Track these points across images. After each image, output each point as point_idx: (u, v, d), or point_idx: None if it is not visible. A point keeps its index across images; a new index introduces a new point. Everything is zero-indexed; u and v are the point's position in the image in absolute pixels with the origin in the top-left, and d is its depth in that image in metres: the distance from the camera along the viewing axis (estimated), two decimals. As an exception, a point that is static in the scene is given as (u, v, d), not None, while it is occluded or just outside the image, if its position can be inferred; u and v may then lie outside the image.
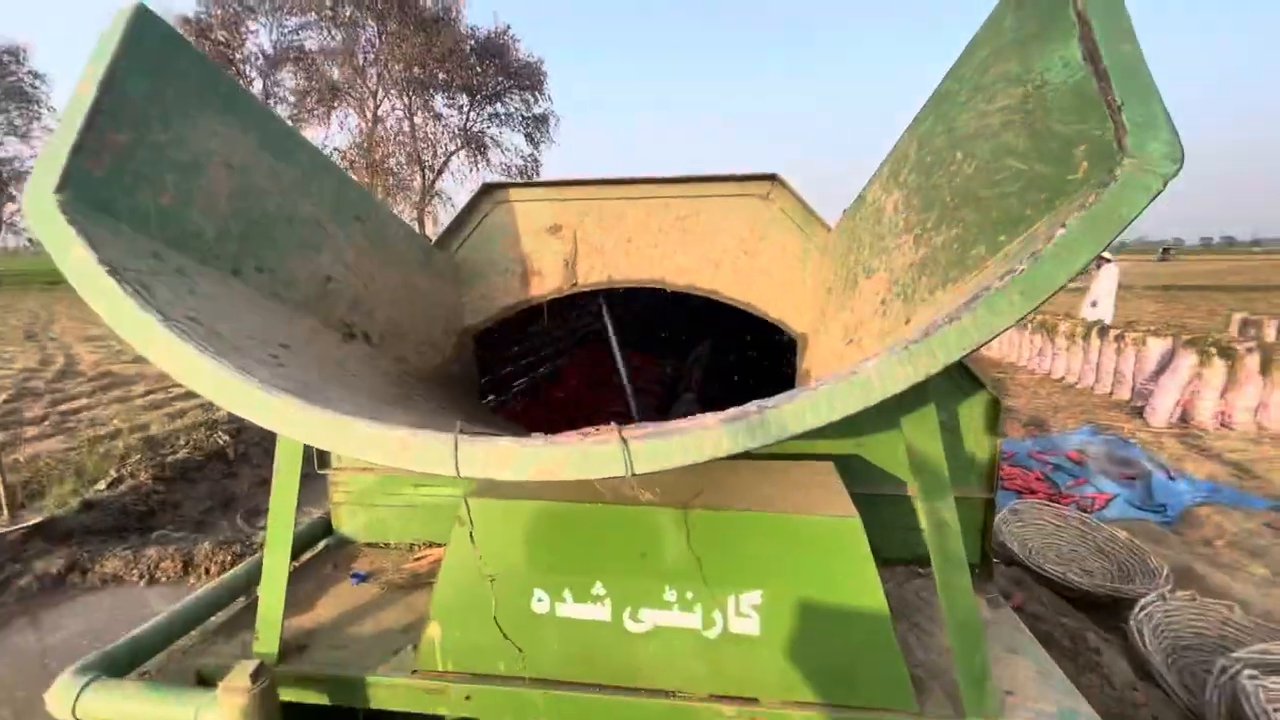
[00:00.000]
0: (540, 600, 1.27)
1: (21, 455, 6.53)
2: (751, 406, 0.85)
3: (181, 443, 7.05)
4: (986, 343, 0.80)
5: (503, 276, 2.25)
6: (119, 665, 1.38)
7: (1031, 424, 7.59)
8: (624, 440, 0.81)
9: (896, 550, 1.70)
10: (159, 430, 7.37)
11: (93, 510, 5.70)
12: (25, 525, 5.32)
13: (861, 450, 1.69)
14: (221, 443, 7.21)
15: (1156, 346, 8.29)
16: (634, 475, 0.80)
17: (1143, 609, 3.30)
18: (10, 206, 32.94)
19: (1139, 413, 7.97)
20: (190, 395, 9.44)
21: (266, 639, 1.37)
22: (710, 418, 0.83)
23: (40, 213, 0.91)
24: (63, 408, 8.76)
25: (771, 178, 2.14)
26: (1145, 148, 0.73)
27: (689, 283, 2.20)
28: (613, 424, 0.85)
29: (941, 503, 1.14)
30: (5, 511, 5.43)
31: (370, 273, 1.65)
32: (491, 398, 2.83)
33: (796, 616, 1.21)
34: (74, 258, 0.87)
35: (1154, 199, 0.72)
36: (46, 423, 8.03)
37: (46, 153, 0.95)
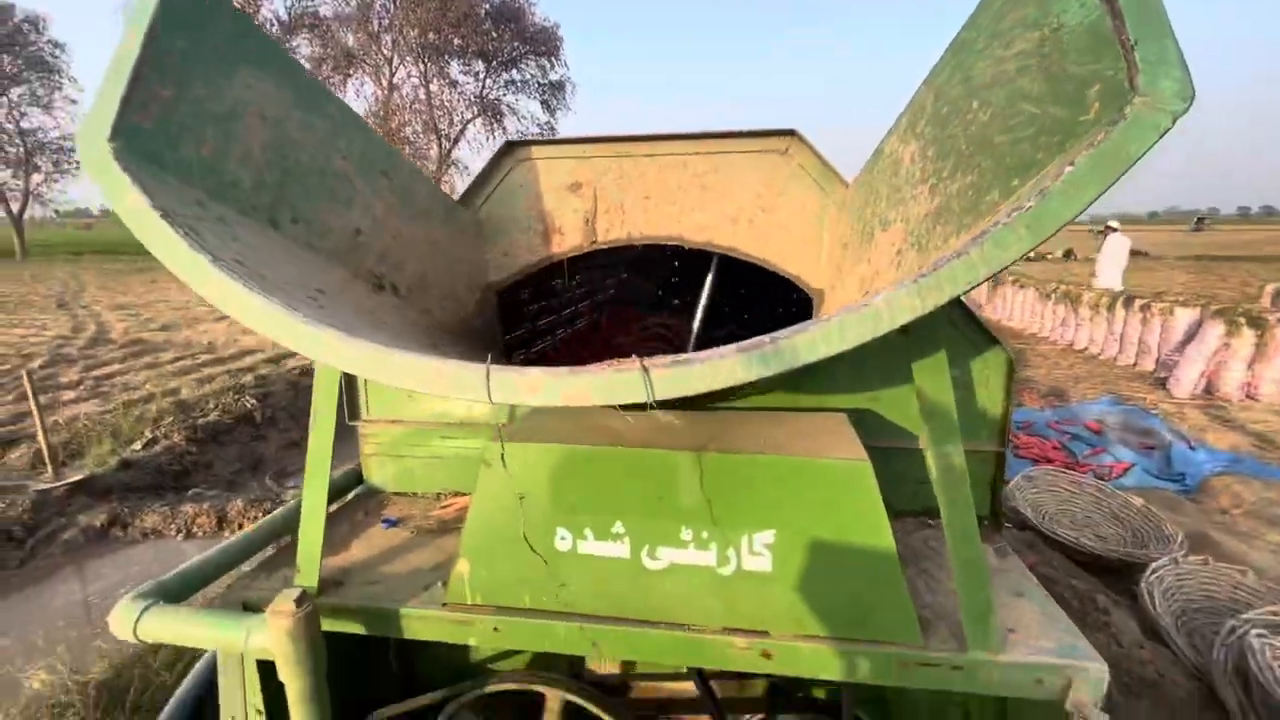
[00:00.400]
0: (563, 538, 1.32)
1: (60, 417, 6.80)
2: (765, 338, 0.87)
3: (211, 406, 7.29)
4: (992, 275, 0.82)
5: (524, 234, 2.27)
6: (170, 595, 1.48)
7: (1051, 394, 7.52)
8: (645, 369, 0.84)
9: (906, 502, 1.73)
10: (189, 395, 7.61)
11: (130, 469, 5.95)
12: (68, 481, 5.58)
13: (875, 405, 1.71)
14: (249, 406, 7.44)
15: (1184, 316, 8.12)
16: (654, 402, 0.84)
17: (1154, 572, 3.32)
18: (35, 178, 33.44)
19: (1162, 384, 7.87)
20: (219, 360, 9.69)
21: (307, 572, 1.44)
22: (726, 348, 0.86)
23: (96, 160, 0.97)
24: (96, 373, 9.06)
25: (790, 133, 2.14)
26: (1156, 85, 0.73)
27: (707, 239, 2.20)
28: (634, 356, 0.87)
29: (950, 446, 1.15)
30: (49, 469, 5.70)
31: (397, 227, 1.69)
32: (521, 352, 2.91)
33: (807, 555, 1.25)
34: (130, 202, 0.93)
35: (1163, 136, 0.73)
36: (81, 387, 8.33)
37: (97, 105, 1.00)
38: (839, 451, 1.31)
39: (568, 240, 2.27)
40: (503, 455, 1.34)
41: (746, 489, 1.29)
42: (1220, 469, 5.01)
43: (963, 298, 0.96)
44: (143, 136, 1.02)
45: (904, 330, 1.26)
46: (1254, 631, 2.65)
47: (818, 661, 1.24)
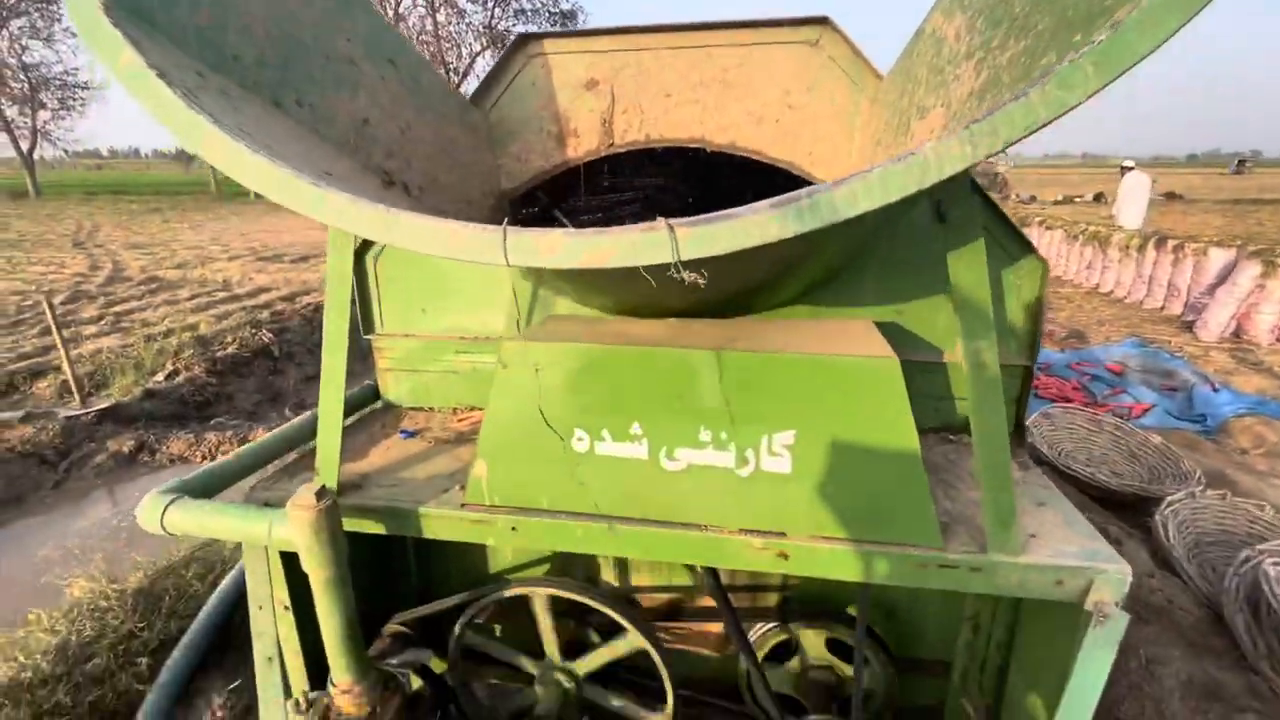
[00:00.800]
0: (580, 440, 1.31)
1: (84, 350, 6.93)
2: (801, 191, 0.81)
3: (229, 340, 7.38)
4: (1054, 120, 0.73)
5: (538, 136, 2.19)
6: (195, 493, 1.51)
7: (1072, 337, 7.40)
8: (671, 228, 0.80)
9: (929, 418, 1.72)
10: (207, 330, 7.70)
11: (154, 398, 6.09)
12: (96, 409, 5.73)
13: (901, 318, 1.68)
14: (266, 340, 7.53)
15: (1219, 257, 7.83)
16: (680, 262, 0.80)
17: (1169, 505, 3.32)
18: (43, 114, 33.07)
19: (1189, 327, 7.68)
20: (234, 298, 9.76)
21: (326, 473, 1.46)
22: (759, 204, 0.80)
23: (86, 20, 0.91)
24: (116, 309, 9.18)
25: (823, 21, 2.02)
26: None
27: (730, 140, 2.11)
28: (660, 218, 0.82)
29: (984, 343, 1.12)
30: (76, 397, 5.84)
31: (407, 119, 1.63)
32: None
33: (829, 456, 1.24)
34: (124, 60, 0.88)
35: None
36: (103, 322, 8.45)
37: None
38: (865, 350, 1.28)
39: (584, 143, 2.18)
40: (524, 350, 1.30)
41: (767, 388, 1.26)
42: (1243, 410, 4.93)
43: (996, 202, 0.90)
44: (134, -4, 0.97)
45: (940, 217, 1.21)
46: (1269, 560, 2.65)
47: (835, 562, 1.24)
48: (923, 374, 1.68)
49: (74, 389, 5.80)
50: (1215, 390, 5.34)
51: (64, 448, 5.25)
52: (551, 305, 1.80)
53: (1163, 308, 8.70)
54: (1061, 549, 1.21)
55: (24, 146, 32.15)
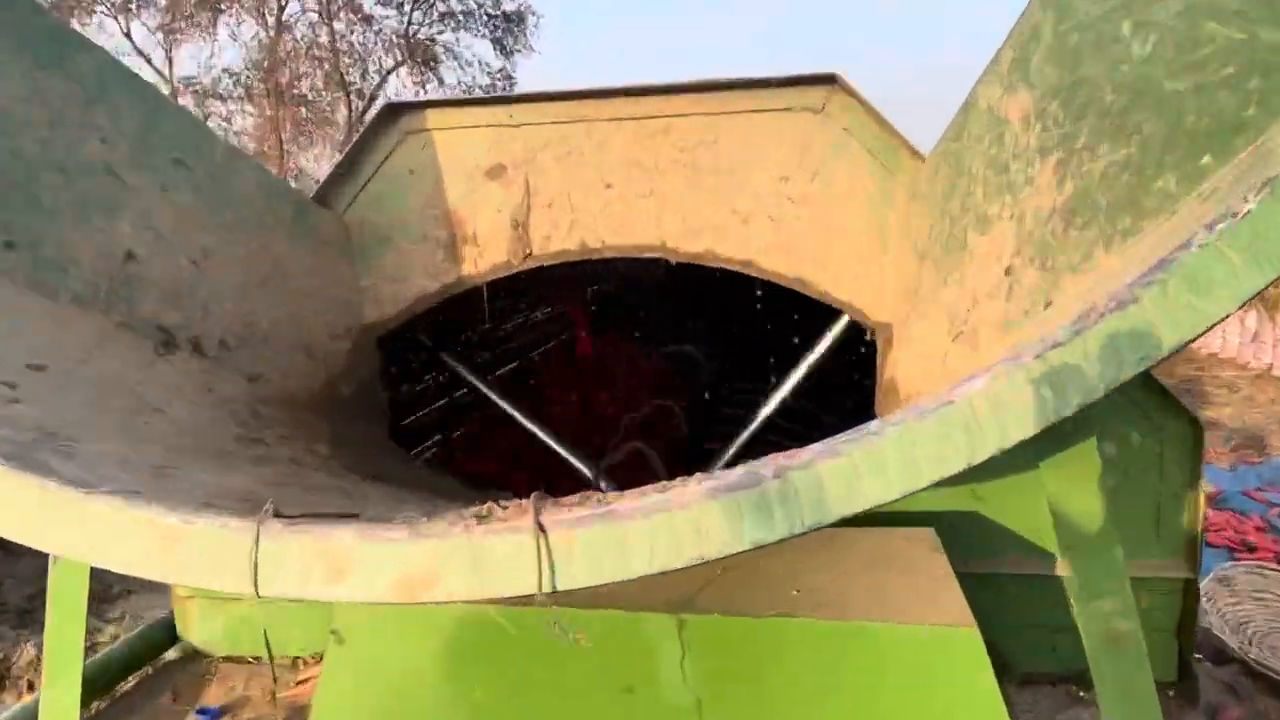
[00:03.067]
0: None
1: None
2: (766, 465, 0.77)
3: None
4: (1189, 342, 0.73)
5: (420, 246, 2.13)
6: None
7: (1245, 445, 7.27)
8: (541, 528, 0.75)
9: (1033, 659, 1.57)
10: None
11: None
12: None
13: (979, 504, 1.55)
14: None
15: None
16: (554, 592, 0.75)
17: None
18: None
19: None
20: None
21: None
22: (693, 484, 0.77)
23: None
24: None
25: (829, 80, 1.94)
26: None
27: (704, 249, 2.04)
28: (533, 496, 0.78)
29: (1112, 596, 1.04)
30: None
31: (203, 245, 1.56)
32: (433, 440, 2.74)
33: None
34: None
35: None
36: None
37: None
38: (924, 608, 1.15)
39: (487, 255, 2.11)
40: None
41: (761, 677, 1.12)
42: None
43: None
44: None
45: None
46: None
47: None
48: (1022, 592, 1.56)
49: None
50: None
51: None
52: None
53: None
54: None
55: None
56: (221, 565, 0.79)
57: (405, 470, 1.96)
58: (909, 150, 1.92)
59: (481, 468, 2.96)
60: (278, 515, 0.83)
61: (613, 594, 1.22)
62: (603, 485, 2.38)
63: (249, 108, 21.72)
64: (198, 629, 1.88)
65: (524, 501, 0.82)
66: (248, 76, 22.13)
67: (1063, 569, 1.53)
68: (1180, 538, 1.55)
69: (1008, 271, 1.23)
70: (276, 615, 1.82)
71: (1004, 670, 1.12)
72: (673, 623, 1.15)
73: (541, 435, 2.58)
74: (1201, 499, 1.54)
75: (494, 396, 2.63)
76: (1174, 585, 1.56)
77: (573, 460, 2.53)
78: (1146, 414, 1.52)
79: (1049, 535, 1.51)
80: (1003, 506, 1.54)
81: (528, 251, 2.09)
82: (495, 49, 25.12)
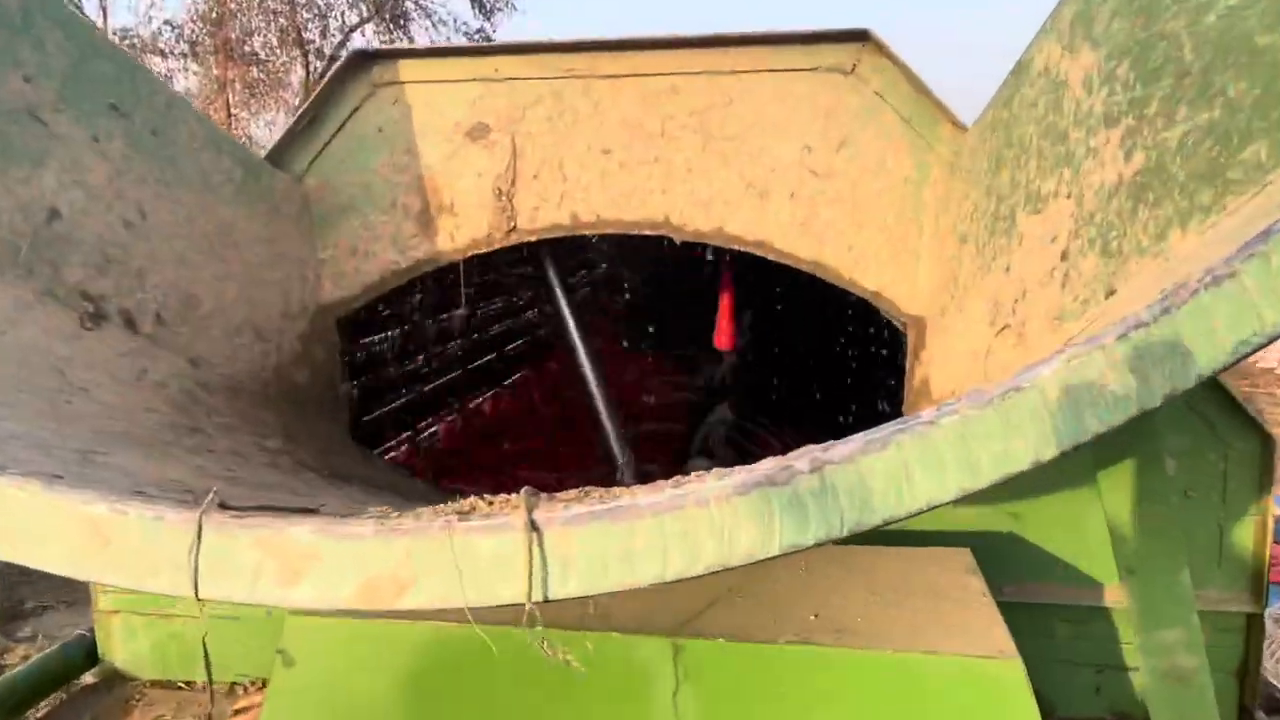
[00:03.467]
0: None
1: None
2: (800, 458, 0.75)
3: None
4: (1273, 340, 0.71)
5: (388, 216, 2.05)
6: None
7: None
8: (534, 526, 0.72)
9: (1074, 701, 1.53)
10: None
11: None
12: None
13: (1016, 523, 1.50)
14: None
15: None
16: (546, 601, 0.73)
17: None
18: None
19: None
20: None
21: None
22: (713, 480, 0.75)
23: None
24: None
25: (861, 37, 1.89)
26: None
27: (714, 227, 1.98)
28: (524, 491, 0.76)
29: (1177, 627, 1.01)
30: None
31: (139, 205, 1.46)
32: (398, 438, 2.68)
33: None
34: None
35: None
36: None
37: None
38: (960, 639, 1.09)
39: (465, 228, 2.02)
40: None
41: (774, 712, 1.06)
42: None
43: None
44: None
45: None
46: None
47: None
48: (1068, 625, 1.53)
49: None
50: None
51: None
52: None
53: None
54: None
55: None
56: (156, 562, 0.76)
57: (368, 471, 1.89)
58: (949, 118, 1.88)
59: (461, 476, 2.92)
60: (223, 507, 0.78)
61: (598, 611, 1.19)
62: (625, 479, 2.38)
63: (193, 66, 21.00)
64: (121, 648, 1.82)
65: (514, 496, 0.80)
66: (192, 30, 21.37)
67: (1112, 598, 1.53)
68: (1244, 567, 1.51)
69: (1064, 256, 1.20)
70: (213, 632, 1.74)
71: (1041, 712, 1.09)
72: (667, 648, 1.09)
73: (598, 396, 2.58)
74: (1270, 525, 1.51)
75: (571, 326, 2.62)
76: (1235, 620, 1.52)
77: (612, 444, 2.56)
78: (1211, 426, 1.47)
79: (1096, 560, 1.50)
80: (1043, 526, 1.49)
81: (512, 225, 2.01)
82: (473, 6, 24.59)
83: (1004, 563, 1.34)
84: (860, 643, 1.08)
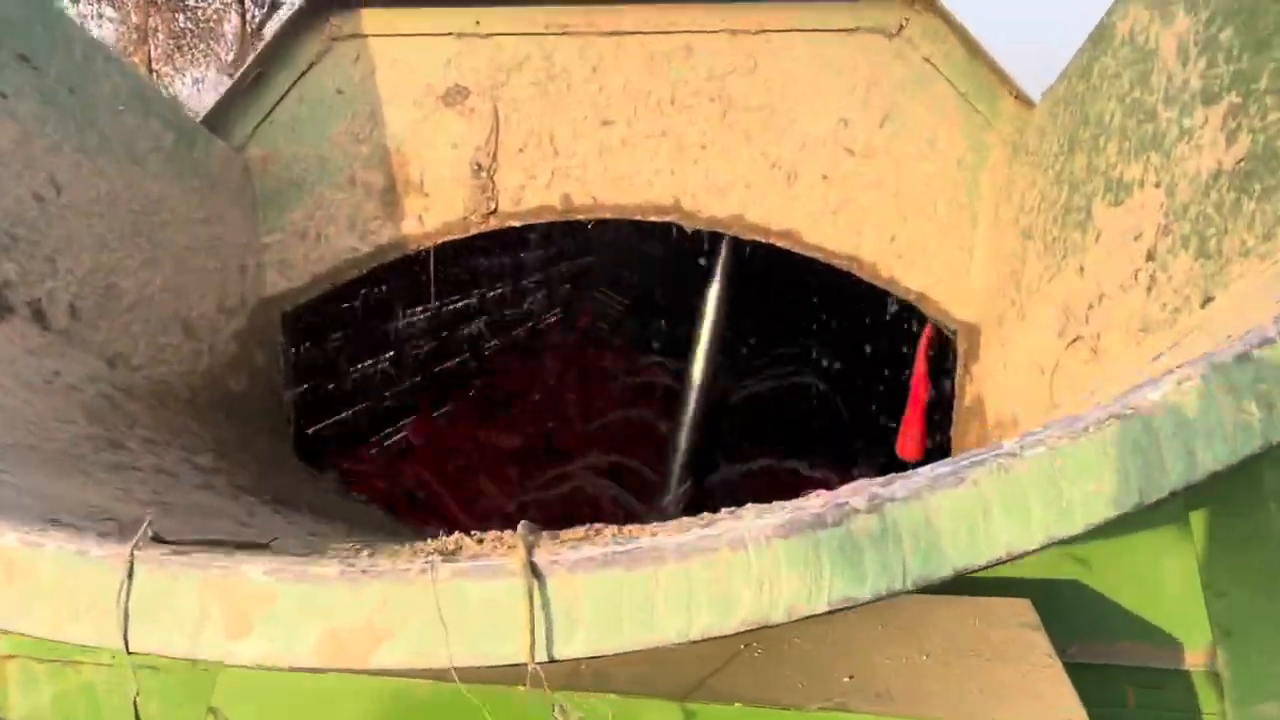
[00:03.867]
0: None
1: None
2: (855, 494, 0.71)
3: None
4: None
5: (346, 193, 1.91)
6: None
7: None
8: (535, 571, 0.67)
9: None
10: None
11: None
12: None
13: (1082, 570, 1.44)
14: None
15: None
16: (550, 662, 0.69)
17: None
18: None
19: None
20: None
21: None
22: (750, 518, 0.72)
23: None
24: None
25: None
26: None
27: (733, 213, 1.88)
28: (522, 526, 0.72)
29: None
30: None
31: (52, 176, 1.33)
32: (377, 448, 2.63)
33: None
34: None
35: None
36: None
37: None
38: (1028, 704, 1.08)
39: (437, 209, 1.89)
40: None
41: None
42: None
43: None
44: None
45: None
46: None
47: None
48: (1145, 691, 1.48)
49: None
50: None
51: None
52: None
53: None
54: None
55: None
56: (76, 605, 0.72)
57: (315, 495, 1.79)
58: (1013, 91, 1.79)
59: (427, 504, 2.85)
60: (158, 540, 0.74)
61: (597, 669, 1.15)
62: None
63: (109, 11, 20.40)
64: (19, 701, 1.72)
65: (508, 534, 0.76)
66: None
67: (1193, 661, 1.45)
68: None
69: (1150, 255, 1.16)
70: (127, 684, 1.68)
71: None
72: (676, 714, 1.04)
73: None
74: None
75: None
76: None
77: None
78: None
79: (1177, 616, 1.44)
80: (1116, 575, 1.41)
81: (492, 207, 1.86)
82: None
83: (1070, 616, 1.30)
84: (904, 710, 1.03)
